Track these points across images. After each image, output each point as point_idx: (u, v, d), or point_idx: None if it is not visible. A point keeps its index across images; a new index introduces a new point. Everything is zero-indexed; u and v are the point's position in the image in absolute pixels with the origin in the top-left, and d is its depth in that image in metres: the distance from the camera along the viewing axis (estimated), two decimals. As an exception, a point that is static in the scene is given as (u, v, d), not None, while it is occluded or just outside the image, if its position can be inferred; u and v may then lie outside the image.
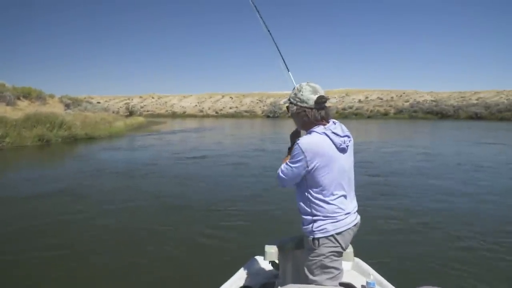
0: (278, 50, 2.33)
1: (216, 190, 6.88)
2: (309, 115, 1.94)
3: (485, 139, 17.30)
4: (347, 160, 1.95)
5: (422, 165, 9.79)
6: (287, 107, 2.00)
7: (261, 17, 2.37)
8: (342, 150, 1.92)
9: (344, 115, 52.67)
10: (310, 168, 1.86)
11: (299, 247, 2.11)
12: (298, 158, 1.87)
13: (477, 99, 51.78)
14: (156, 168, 9.36)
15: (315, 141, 1.89)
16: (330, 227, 1.91)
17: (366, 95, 63.89)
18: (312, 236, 1.93)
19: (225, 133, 24.31)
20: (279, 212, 5.13)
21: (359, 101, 61.27)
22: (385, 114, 51.83)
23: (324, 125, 1.93)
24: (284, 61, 2.32)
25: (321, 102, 1.93)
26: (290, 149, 2.02)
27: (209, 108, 67.88)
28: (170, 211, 5.47)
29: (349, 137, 1.95)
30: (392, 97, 60.54)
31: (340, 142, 1.91)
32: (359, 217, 2.03)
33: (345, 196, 1.94)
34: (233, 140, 18.40)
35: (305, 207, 1.95)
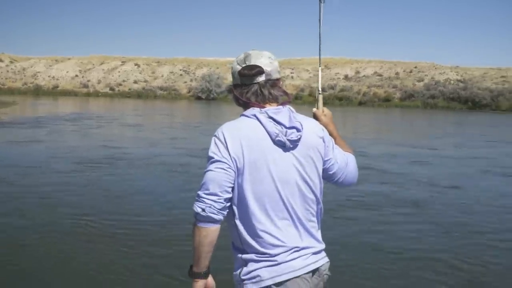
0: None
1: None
2: (237, 96, 2.11)
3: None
4: (293, 165, 2.03)
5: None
6: None
7: None
8: (282, 147, 2.00)
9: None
10: (237, 170, 1.97)
11: None
12: (218, 155, 1.96)
13: (526, 80, 53.80)
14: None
15: (237, 127, 2.02)
16: (265, 274, 1.97)
17: (356, 69, 64.03)
18: None
19: (126, 121, 24.39)
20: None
21: (346, 77, 61.55)
22: (387, 100, 51.90)
23: (262, 107, 2.05)
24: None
25: (247, 74, 2.05)
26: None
27: (99, 82, 64.92)
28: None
29: (299, 130, 2.03)
30: (397, 73, 60.86)
31: (277, 133, 1.98)
32: (325, 260, 2.12)
33: (291, 223, 2.02)
34: (150, 135, 19.12)
35: (234, 237, 2.07)
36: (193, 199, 1.97)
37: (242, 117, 2.07)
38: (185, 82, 62.52)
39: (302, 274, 1.99)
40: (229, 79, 61.98)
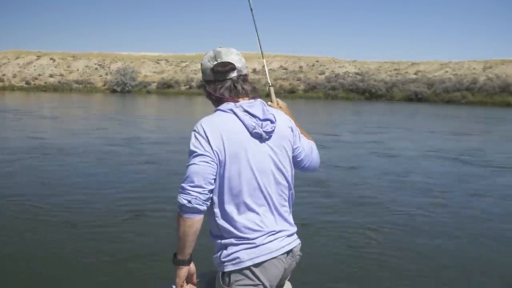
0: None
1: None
2: (210, 91, 2.11)
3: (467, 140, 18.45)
4: (269, 155, 2.07)
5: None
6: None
7: None
8: (259, 138, 2.03)
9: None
10: (219, 162, 1.98)
11: None
12: (200, 149, 1.96)
13: (415, 73, 56.63)
14: None
15: (215, 122, 2.02)
16: (245, 256, 2.00)
17: (262, 63, 64.05)
18: (221, 270, 2.04)
19: (45, 114, 23.51)
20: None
21: (254, 71, 62.15)
22: (292, 92, 53.22)
23: (236, 102, 2.07)
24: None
25: (221, 71, 2.07)
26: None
27: (14, 76, 62.37)
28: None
29: (272, 122, 2.07)
30: (300, 67, 62.93)
31: (254, 125, 2.01)
32: (297, 242, 2.17)
33: (268, 209, 2.07)
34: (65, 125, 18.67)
35: (212, 225, 2.08)
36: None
37: (219, 112, 2.07)
38: (101, 76, 61.45)
39: (278, 255, 2.05)
40: (143, 72, 61.76)
